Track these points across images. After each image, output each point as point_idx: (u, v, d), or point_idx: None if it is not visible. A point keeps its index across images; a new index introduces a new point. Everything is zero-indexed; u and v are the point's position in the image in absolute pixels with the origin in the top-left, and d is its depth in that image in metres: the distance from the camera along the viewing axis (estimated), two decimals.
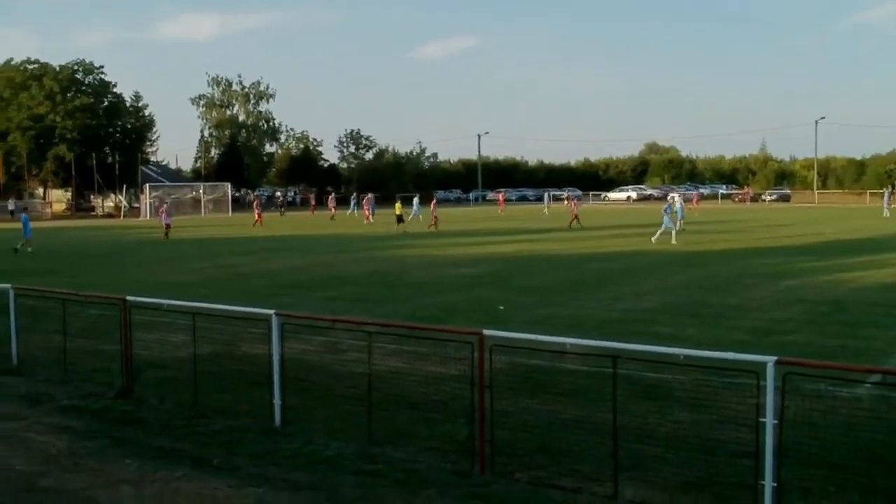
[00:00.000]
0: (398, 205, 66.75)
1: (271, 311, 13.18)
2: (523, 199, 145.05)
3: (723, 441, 10.41)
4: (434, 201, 71.98)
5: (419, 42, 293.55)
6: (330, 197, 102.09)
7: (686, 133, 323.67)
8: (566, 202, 78.35)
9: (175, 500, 9.74)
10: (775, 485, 9.05)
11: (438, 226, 64.43)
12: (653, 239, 47.93)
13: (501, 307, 24.03)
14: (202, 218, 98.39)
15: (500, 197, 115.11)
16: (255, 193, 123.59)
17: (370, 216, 78.77)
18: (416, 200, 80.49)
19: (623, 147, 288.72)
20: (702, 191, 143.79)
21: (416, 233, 60.42)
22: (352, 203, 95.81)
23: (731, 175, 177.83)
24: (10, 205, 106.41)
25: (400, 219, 63.74)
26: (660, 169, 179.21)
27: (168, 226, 57.58)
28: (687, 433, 10.78)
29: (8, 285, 17.94)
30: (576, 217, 64.75)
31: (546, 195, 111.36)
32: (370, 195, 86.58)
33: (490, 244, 48.84)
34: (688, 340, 17.63)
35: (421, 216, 74.36)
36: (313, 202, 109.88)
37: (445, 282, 31.09)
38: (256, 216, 75.05)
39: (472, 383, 10.90)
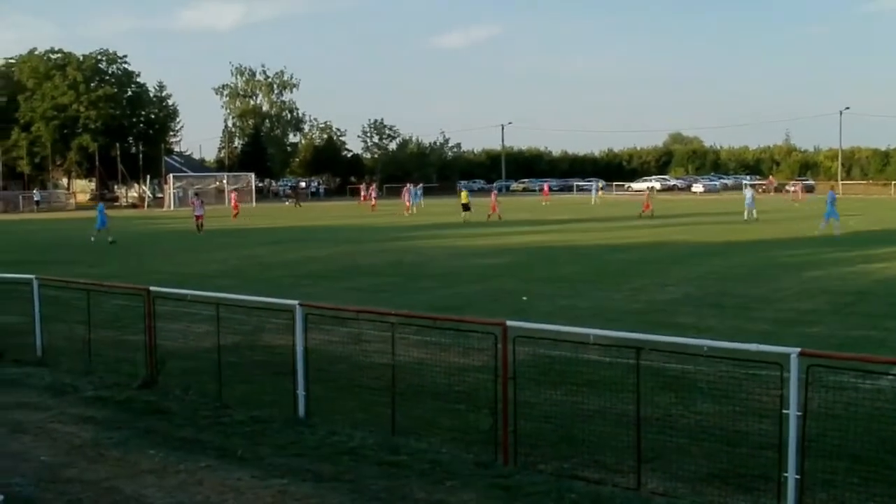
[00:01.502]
0: (464, 193, 67.22)
1: (295, 302, 13.20)
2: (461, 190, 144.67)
3: (746, 433, 10.39)
4: (495, 192, 71.32)
5: (443, 31, 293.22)
6: (372, 187, 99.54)
7: (710, 123, 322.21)
8: (645, 192, 77.42)
9: (199, 490, 9.78)
10: (798, 477, 9.02)
11: (501, 216, 63.21)
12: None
13: (525, 298, 24.02)
14: (226, 208, 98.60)
15: (546, 187, 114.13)
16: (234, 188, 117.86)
17: (411, 207, 77.50)
18: (412, 188, 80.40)
19: (647, 137, 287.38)
20: (725, 181, 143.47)
21: (477, 221, 60.49)
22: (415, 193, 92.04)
23: (755, 166, 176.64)
24: (36, 195, 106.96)
25: (466, 207, 64.07)
26: (683, 159, 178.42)
27: (199, 217, 56.63)
28: (710, 425, 10.76)
29: (32, 276, 18.04)
30: (648, 207, 64.85)
31: (594, 185, 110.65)
32: (409, 185, 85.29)
33: (514, 234, 48.82)
34: (710, 331, 17.59)
35: (422, 204, 74.36)
36: (365, 193, 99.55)
37: (468, 272, 31.10)
38: (234, 206, 75.54)
39: (496, 374, 10.91)
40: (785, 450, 9.08)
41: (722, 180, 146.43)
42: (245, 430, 12.26)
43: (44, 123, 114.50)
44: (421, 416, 12.28)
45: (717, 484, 9.79)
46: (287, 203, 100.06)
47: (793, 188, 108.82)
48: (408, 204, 77.61)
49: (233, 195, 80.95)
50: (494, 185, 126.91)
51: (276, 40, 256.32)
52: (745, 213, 56.74)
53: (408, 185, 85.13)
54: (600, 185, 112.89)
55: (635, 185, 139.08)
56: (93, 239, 47.50)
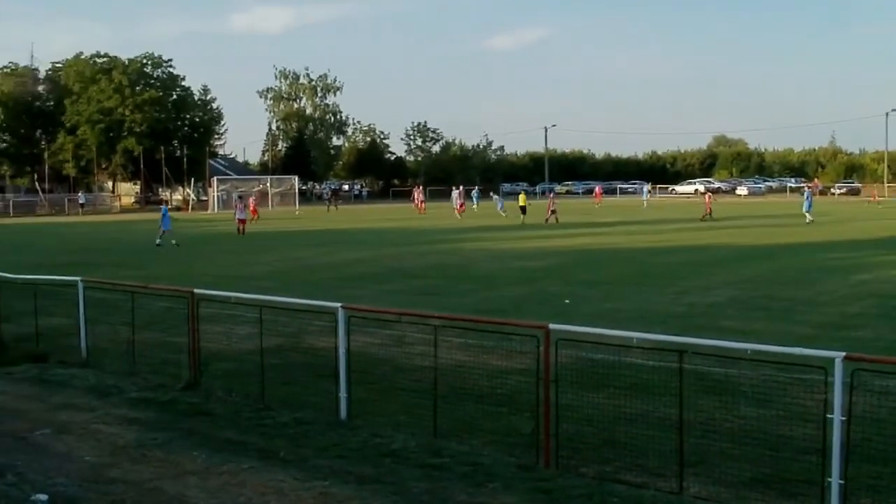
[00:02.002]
0: (522, 195, 67.48)
1: (338, 305, 13.24)
2: (590, 192, 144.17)
3: (789, 437, 10.32)
4: (553, 195, 70.60)
5: (487, 34, 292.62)
6: (418, 190, 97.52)
7: (755, 125, 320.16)
8: (705, 195, 76.70)
9: (241, 491, 9.82)
10: (842, 482, 8.95)
11: (558, 219, 62.67)
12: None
13: (567, 300, 23.98)
14: (269, 211, 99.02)
15: (598, 189, 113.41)
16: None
17: (461, 209, 76.52)
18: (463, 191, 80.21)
19: (691, 140, 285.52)
20: (769, 184, 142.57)
21: (533, 224, 60.47)
22: (474, 197, 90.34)
23: (800, 168, 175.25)
24: (81, 198, 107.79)
25: (523, 210, 64.21)
26: (727, 162, 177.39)
27: (242, 221, 56.15)
28: (753, 429, 10.70)
29: (77, 278, 18.21)
30: (710, 210, 64.51)
31: (645, 188, 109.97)
32: (461, 188, 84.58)
33: (557, 237, 48.72)
34: (755, 335, 17.47)
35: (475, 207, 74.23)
36: (418, 197, 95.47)
37: (511, 275, 31.08)
38: (252, 211, 73.18)
39: (538, 377, 10.89)
40: (829, 455, 9.02)
41: (766, 183, 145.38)
42: (287, 431, 12.31)
43: (89, 127, 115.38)
44: (463, 419, 12.28)
45: (759, 489, 9.73)
46: (328, 206, 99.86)
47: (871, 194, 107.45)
48: (458, 207, 76.82)
49: (251, 199, 79.78)
50: (552, 188, 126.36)
51: (320, 44, 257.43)
52: (808, 216, 56.35)
53: (460, 187, 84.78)
54: (649, 187, 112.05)
55: (679, 188, 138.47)
56: (158, 241, 47.65)
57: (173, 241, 47.80)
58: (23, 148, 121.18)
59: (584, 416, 11.43)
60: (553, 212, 62.87)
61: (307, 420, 12.82)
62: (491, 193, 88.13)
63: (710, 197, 72.02)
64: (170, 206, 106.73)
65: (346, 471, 10.49)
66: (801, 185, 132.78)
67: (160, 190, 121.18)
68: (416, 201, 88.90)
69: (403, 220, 72.07)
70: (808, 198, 58.77)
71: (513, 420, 12.08)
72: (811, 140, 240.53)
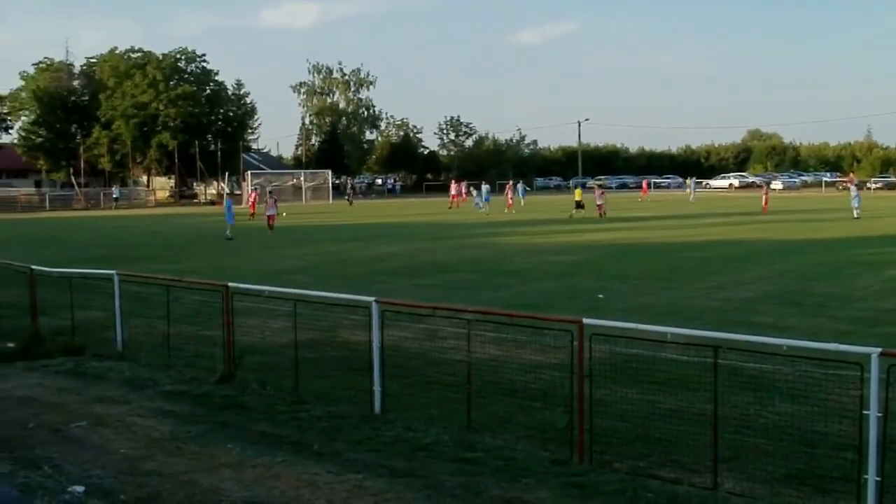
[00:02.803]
0: (578, 191, 67.43)
1: (371, 299, 13.26)
2: (623, 186, 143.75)
3: (825, 433, 10.26)
4: (601, 190, 69.43)
5: (520, 27, 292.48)
6: (461, 184, 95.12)
7: (789, 119, 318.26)
8: (762, 189, 75.74)
9: (275, 484, 9.86)
10: (879, 479, 8.90)
11: (605, 213, 62.01)
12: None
13: (601, 295, 23.92)
14: (303, 205, 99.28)
15: (644, 183, 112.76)
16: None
17: (510, 204, 76.05)
18: (485, 188, 79.66)
19: (725, 134, 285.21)
20: (804, 178, 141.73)
21: (587, 218, 60.36)
22: (520, 190, 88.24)
23: (836, 162, 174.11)
24: (115, 192, 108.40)
25: (579, 204, 63.97)
26: (762, 156, 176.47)
27: (272, 217, 54.77)
28: (788, 425, 10.64)
29: (113, 271, 18.31)
30: (766, 204, 64.22)
31: (691, 181, 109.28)
32: (511, 182, 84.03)
33: (591, 232, 48.61)
34: (789, 330, 17.40)
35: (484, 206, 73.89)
36: (456, 192, 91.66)
37: (544, 269, 31.03)
38: (251, 207, 72.54)
39: (572, 372, 10.88)
40: (865, 451, 8.97)
41: (801, 177, 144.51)
42: (321, 425, 12.35)
43: (124, 121, 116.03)
44: (496, 413, 12.28)
45: (794, 485, 9.68)
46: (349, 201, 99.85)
47: None
48: (510, 201, 76.52)
49: (252, 194, 78.57)
50: (584, 182, 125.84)
51: (353, 38, 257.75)
52: (854, 212, 55.72)
53: (510, 181, 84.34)
54: (692, 182, 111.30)
55: (714, 182, 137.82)
56: (228, 233, 48.28)
57: (227, 234, 48.39)
58: (59, 142, 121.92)
59: (618, 412, 11.42)
60: (600, 205, 62.40)
61: (341, 414, 12.85)
62: (471, 188, 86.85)
63: (767, 191, 71.10)
64: (203, 201, 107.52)
65: (380, 464, 10.51)
66: (837, 179, 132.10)
67: (194, 184, 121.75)
68: (455, 197, 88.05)
69: (436, 214, 71.97)
70: (856, 193, 57.87)
71: (546, 415, 12.06)
72: (847, 134, 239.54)
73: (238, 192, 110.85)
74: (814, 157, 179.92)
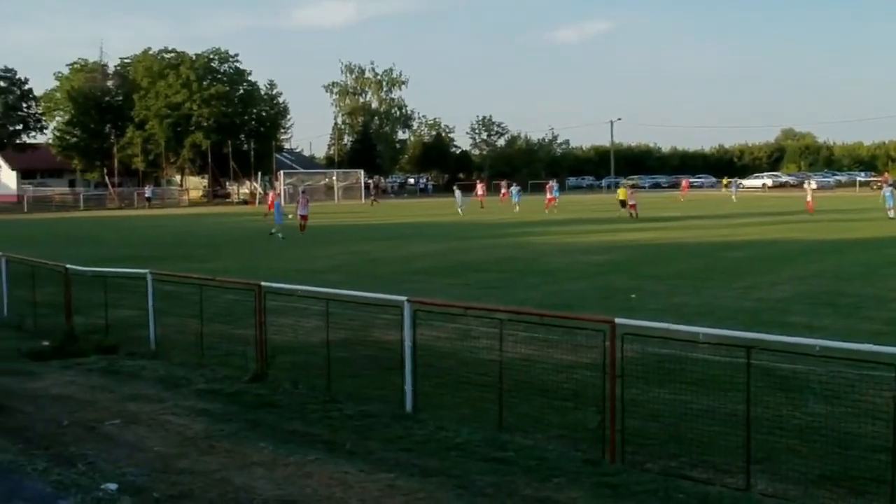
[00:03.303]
0: (622, 189, 67.33)
1: (403, 298, 13.28)
2: (656, 186, 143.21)
3: (858, 435, 10.20)
4: (633, 190, 68.40)
5: (552, 27, 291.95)
6: (481, 184, 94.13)
7: (823, 118, 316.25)
8: (808, 188, 74.73)
9: (307, 483, 9.88)
10: None
11: (637, 214, 60.81)
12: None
13: (633, 295, 23.86)
14: (335, 205, 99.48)
15: (684, 183, 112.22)
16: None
17: (549, 203, 75.32)
18: (515, 188, 79.83)
19: (758, 133, 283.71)
20: (839, 178, 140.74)
21: (614, 218, 60.21)
22: (514, 192, 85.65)
23: (870, 162, 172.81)
24: (147, 192, 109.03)
25: (623, 203, 63.81)
26: (796, 156, 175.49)
27: (304, 217, 52.56)
28: (821, 426, 10.59)
29: (146, 270, 18.42)
30: (811, 204, 63.52)
31: (733, 181, 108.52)
32: (552, 182, 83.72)
33: (621, 231, 48.48)
34: (822, 331, 17.28)
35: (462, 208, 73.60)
36: (506, 190, 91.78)
37: (576, 269, 30.98)
38: (270, 206, 71.09)
39: (604, 371, 10.87)
40: None
41: (835, 177, 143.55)
42: (353, 424, 12.38)
43: (158, 121, 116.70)
44: (528, 413, 12.28)
45: (827, 486, 9.64)
46: (371, 201, 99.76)
47: None
48: (548, 200, 75.92)
49: (270, 194, 78.09)
50: (618, 181, 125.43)
51: (386, 37, 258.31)
52: (891, 212, 54.92)
53: (551, 181, 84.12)
54: (733, 181, 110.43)
55: (747, 182, 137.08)
56: (280, 236, 47.96)
57: (270, 232, 48.43)
58: (92, 142, 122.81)
59: (651, 412, 11.41)
60: (633, 205, 61.50)
61: (373, 413, 12.88)
62: (454, 187, 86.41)
63: (812, 191, 69.86)
64: (236, 200, 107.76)
65: (412, 463, 10.52)
66: (871, 179, 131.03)
67: (227, 183, 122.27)
68: (505, 195, 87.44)
69: (467, 213, 71.92)
70: (890, 193, 56.89)
71: (578, 415, 12.05)
72: (881, 133, 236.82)
73: (278, 192, 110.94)
74: (848, 156, 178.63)
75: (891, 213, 54.59)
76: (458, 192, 78.44)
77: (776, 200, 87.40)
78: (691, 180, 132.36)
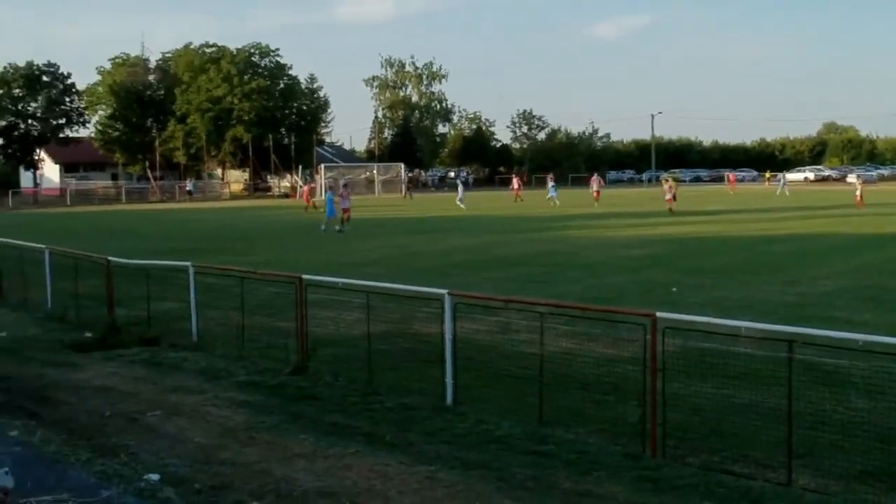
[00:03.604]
0: (671, 183, 67.30)
1: (444, 291, 13.29)
2: (697, 179, 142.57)
3: None
4: (670, 184, 66.72)
5: (593, 21, 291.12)
6: (517, 178, 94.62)
7: (866, 112, 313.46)
8: (857, 182, 73.78)
9: (347, 475, 9.90)
10: None
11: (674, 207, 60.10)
12: None
13: (674, 289, 23.77)
14: (375, 198, 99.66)
15: (731, 176, 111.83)
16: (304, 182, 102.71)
17: (597, 195, 74.35)
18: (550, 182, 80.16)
19: (800, 127, 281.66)
20: (881, 171, 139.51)
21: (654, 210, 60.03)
22: (550, 187, 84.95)
23: None
24: (188, 185, 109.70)
25: (675, 197, 63.52)
26: (838, 149, 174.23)
27: (346, 210, 51.16)
28: (864, 421, 10.52)
29: (188, 263, 18.53)
30: (860, 198, 62.75)
31: (782, 175, 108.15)
32: (596, 175, 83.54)
33: (662, 225, 48.27)
34: (865, 326, 17.18)
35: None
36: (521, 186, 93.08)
37: (617, 263, 30.88)
38: (306, 199, 73.15)
39: (644, 365, 10.84)
40: None
41: (878, 170, 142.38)
42: (393, 416, 12.40)
43: (199, 115, 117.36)
44: (568, 407, 12.26)
45: (870, 482, 9.57)
46: (405, 194, 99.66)
47: None
48: (596, 193, 75.09)
49: (305, 188, 78.90)
50: (658, 175, 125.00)
51: (424, 32, 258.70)
52: None
53: (595, 175, 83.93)
54: (770, 175, 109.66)
55: (789, 176, 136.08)
56: (338, 228, 48.13)
57: (336, 228, 48.27)
58: (134, 136, 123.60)
59: (692, 406, 11.36)
60: (669, 199, 60.55)
61: (413, 405, 12.90)
62: (458, 181, 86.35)
63: (861, 184, 68.77)
64: (277, 194, 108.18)
65: (452, 456, 10.53)
66: None
67: (268, 177, 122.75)
68: (516, 189, 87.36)
69: (507, 207, 71.86)
70: None
71: (619, 408, 12.03)
72: None
73: (312, 185, 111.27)
74: (891, 149, 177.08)
75: None
76: (460, 187, 78.77)
77: (824, 194, 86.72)
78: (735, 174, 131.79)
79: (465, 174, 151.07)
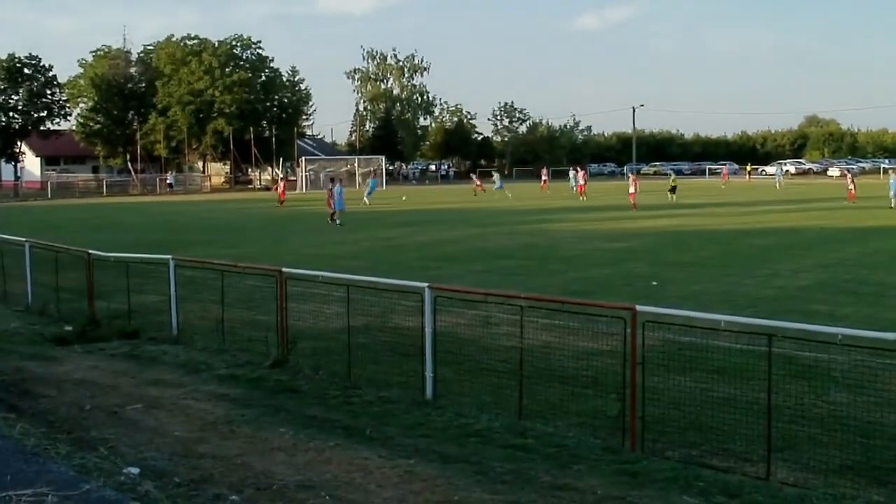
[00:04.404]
0: (673, 176, 70.40)
1: (424, 284, 13.29)
2: (678, 173, 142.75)
3: (881, 424, 10.18)
4: (634, 178, 65.21)
5: (575, 13, 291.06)
6: (544, 171, 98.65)
7: (847, 105, 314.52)
8: (848, 177, 73.66)
9: (327, 468, 9.88)
10: None
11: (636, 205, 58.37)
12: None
13: (654, 282, 23.82)
14: (356, 191, 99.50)
15: (724, 170, 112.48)
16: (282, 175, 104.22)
17: (581, 189, 74.35)
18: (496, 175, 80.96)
19: (781, 120, 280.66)
20: (862, 165, 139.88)
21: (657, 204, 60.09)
22: (571, 177, 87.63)
23: (895, 149, 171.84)
24: (169, 178, 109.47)
25: (673, 189, 65.21)
26: (819, 142, 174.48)
27: (331, 204, 49.97)
28: (843, 415, 10.55)
29: (168, 256, 18.49)
30: (852, 191, 62.66)
31: (778, 168, 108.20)
32: (578, 168, 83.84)
33: (644, 218, 48.35)
34: (845, 319, 17.24)
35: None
36: (546, 178, 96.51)
37: (597, 256, 30.95)
38: (281, 193, 73.54)
39: (624, 359, 10.86)
40: None
41: (859, 164, 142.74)
42: (373, 410, 12.40)
43: (180, 108, 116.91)
44: (548, 400, 12.28)
45: (849, 476, 9.60)
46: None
47: None
48: (580, 187, 74.87)
49: (282, 182, 79.53)
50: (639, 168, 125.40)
51: (409, 24, 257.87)
52: (892, 201, 53.82)
53: (577, 167, 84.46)
54: (777, 168, 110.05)
55: (769, 169, 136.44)
56: (339, 222, 47.72)
57: (338, 222, 47.76)
58: (116, 129, 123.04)
59: (671, 399, 11.37)
60: (632, 194, 58.85)
61: (393, 399, 12.90)
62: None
63: (852, 179, 68.23)
64: (258, 187, 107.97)
65: (431, 450, 10.52)
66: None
67: (249, 170, 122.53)
68: (477, 184, 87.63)
69: (488, 201, 71.90)
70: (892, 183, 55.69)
71: (598, 402, 12.05)
72: None
73: (293, 178, 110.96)
74: (872, 143, 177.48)
75: (893, 203, 53.53)
76: (496, 176, 79.55)
77: (815, 188, 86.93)
78: (714, 167, 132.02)
79: (446, 167, 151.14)
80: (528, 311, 12.61)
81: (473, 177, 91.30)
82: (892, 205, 53.05)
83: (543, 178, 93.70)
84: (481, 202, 70.00)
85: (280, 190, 74.11)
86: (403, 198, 75.01)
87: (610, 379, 11.67)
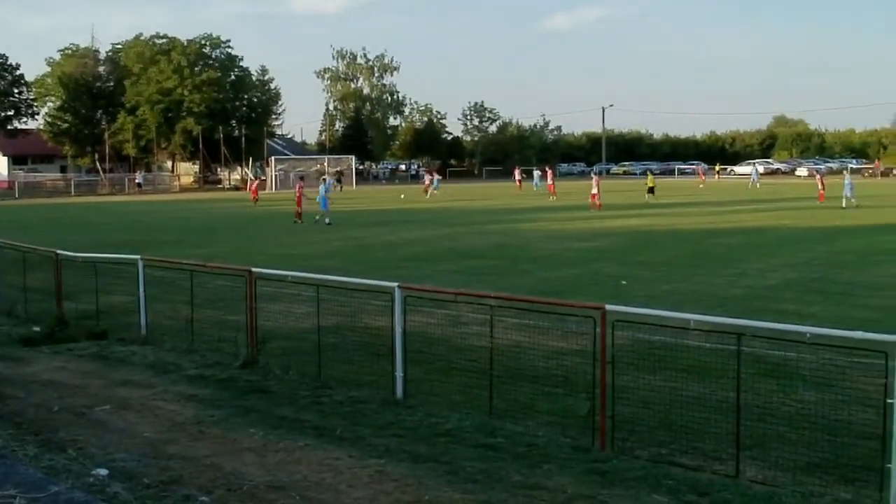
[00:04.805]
0: (651, 177, 70.79)
1: (394, 284, 13.29)
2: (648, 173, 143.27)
3: (849, 422, 10.23)
4: (597, 178, 64.76)
5: (545, 13, 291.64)
6: (516, 170, 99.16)
7: (815, 105, 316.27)
8: (817, 178, 73.85)
9: (297, 469, 9.87)
10: None
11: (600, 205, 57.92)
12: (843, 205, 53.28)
13: (624, 282, 23.89)
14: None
15: (699, 169, 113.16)
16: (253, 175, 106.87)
17: (552, 190, 73.68)
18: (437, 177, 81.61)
19: (750, 120, 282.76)
20: (830, 165, 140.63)
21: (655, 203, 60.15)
22: (536, 176, 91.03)
23: (862, 149, 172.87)
24: (138, 178, 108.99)
25: (651, 190, 65.74)
26: (788, 143, 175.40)
27: (301, 203, 50.99)
28: (811, 413, 10.60)
29: (137, 256, 18.41)
30: (822, 190, 62.36)
31: (754, 168, 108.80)
32: (546, 168, 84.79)
33: (614, 218, 48.47)
34: (813, 318, 17.32)
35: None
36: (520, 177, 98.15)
37: (567, 256, 31.01)
38: (253, 192, 74.49)
39: (594, 358, 10.88)
40: (889, 440, 8.93)
41: (827, 164, 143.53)
42: (344, 410, 12.38)
43: (149, 107, 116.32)
44: (518, 400, 12.29)
45: (817, 473, 9.66)
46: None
47: None
48: (550, 186, 74.55)
49: (254, 182, 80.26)
50: (609, 168, 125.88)
51: (379, 23, 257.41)
52: (844, 201, 54.07)
53: (546, 167, 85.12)
54: (753, 168, 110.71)
55: (738, 169, 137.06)
56: (327, 221, 47.62)
57: (327, 221, 47.62)
58: (84, 128, 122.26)
59: (641, 398, 11.42)
60: (594, 195, 58.44)
61: (363, 399, 12.89)
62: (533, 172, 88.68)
63: (822, 180, 68.05)
64: (227, 186, 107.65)
65: (402, 450, 10.52)
66: (863, 166, 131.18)
67: (219, 169, 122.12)
68: (427, 183, 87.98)
69: (458, 200, 71.93)
70: (849, 182, 55.90)
71: (568, 401, 12.07)
72: (873, 120, 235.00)
73: (263, 178, 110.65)
74: (840, 143, 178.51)
75: (846, 203, 53.80)
76: (536, 173, 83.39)
77: (786, 188, 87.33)
78: (683, 167, 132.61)
79: (416, 167, 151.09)
80: (498, 311, 12.64)
81: (427, 176, 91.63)
82: (844, 205, 53.35)
83: (517, 177, 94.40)
84: (451, 201, 69.99)
85: (253, 189, 74.30)
86: (402, 196, 76.26)
87: (580, 378, 11.69)
